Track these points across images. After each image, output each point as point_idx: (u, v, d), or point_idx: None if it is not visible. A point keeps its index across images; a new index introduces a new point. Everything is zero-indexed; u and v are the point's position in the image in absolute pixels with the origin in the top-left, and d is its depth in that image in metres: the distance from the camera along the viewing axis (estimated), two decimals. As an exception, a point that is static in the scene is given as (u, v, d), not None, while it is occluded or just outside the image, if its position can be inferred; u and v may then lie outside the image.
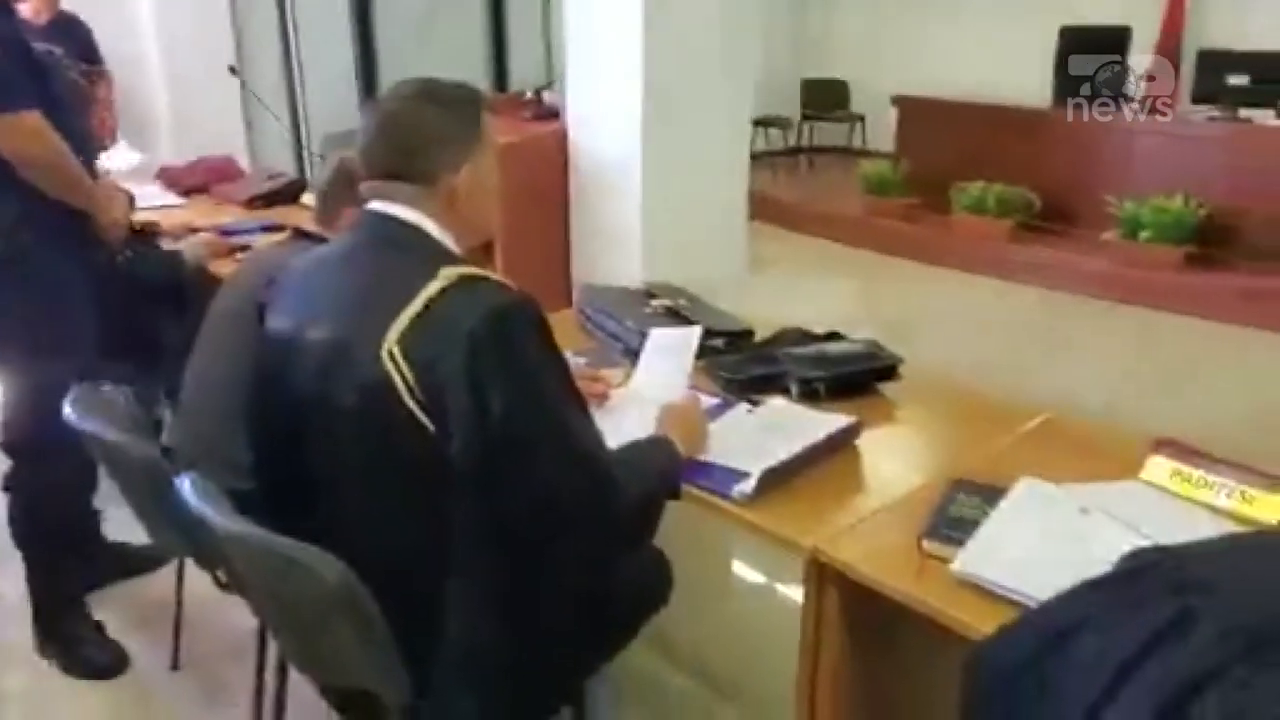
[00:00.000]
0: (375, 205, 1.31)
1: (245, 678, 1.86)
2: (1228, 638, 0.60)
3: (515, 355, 1.17)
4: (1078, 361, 4.42)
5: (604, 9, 2.53)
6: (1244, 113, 5.22)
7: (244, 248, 2.77)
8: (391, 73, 5.68)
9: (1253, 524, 1.31)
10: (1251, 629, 0.59)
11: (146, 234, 2.70)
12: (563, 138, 2.77)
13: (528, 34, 6.21)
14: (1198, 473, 1.43)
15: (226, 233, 2.94)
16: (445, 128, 1.29)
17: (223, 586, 1.74)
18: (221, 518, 1.27)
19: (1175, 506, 1.39)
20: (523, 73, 6.05)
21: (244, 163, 4.30)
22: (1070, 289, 5.26)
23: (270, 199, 3.46)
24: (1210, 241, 5.10)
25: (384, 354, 1.15)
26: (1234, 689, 0.58)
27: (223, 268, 2.58)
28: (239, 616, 1.77)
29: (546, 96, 3.13)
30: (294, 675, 1.63)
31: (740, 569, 2.65)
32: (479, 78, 5.89)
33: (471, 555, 1.19)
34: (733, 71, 2.72)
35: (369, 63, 5.78)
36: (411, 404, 1.15)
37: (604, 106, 2.62)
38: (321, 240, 1.80)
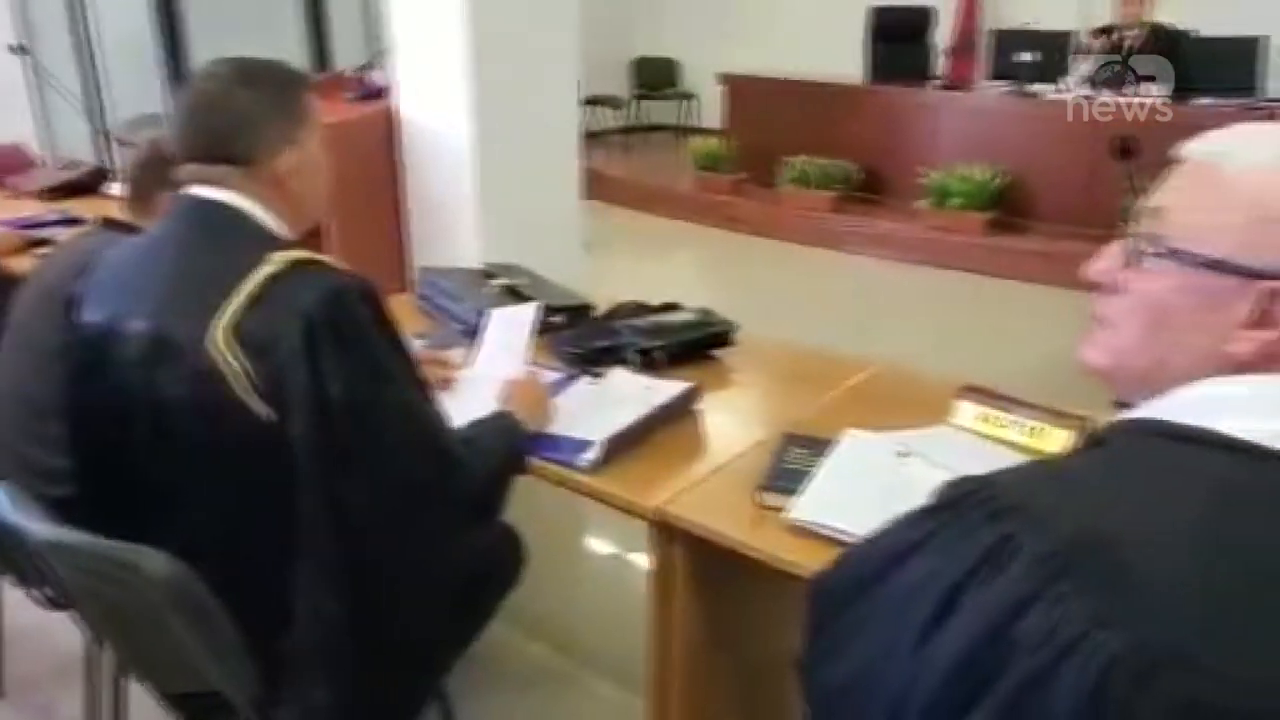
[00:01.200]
0: (194, 190, 1.26)
1: (76, 699, 1.76)
2: (1044, 561, 0.65)
3: (353, 336, 1.16)
4: (897, 321, 4.75)
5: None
6: (1033, 87, 5.68)
7: (43, 242, 2.57)
8: (200, 52, 5.33)
9: (1043, 455, 1.47)
10: (1064, 548, 0.65)
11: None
12: (392, 118, 2.70)
13: (346, 10, 5.99)
14: (997, 414, 1.58)
15: (22, 227, 2.71)
16: (266, 108, 1.25)
17: (49, 603, 1.64)
18: (38, 527, 1.20)
19: (980, 445, 1.53)
20: (344, 51, 5.84)
21: (36, 150, 3.95)
22: (889, 255, 5.60)
23: (69, 190, 3.22)
24: (1009, 207, 5.55)
25: (214, 342, 1.12)
26: (1051, 605, 0.64)
27: (20, 264, 2.39)
28: (65, 635, 1.67)
29: (371, 75, 3.04)
30: (134, 689, 1.55)
31: (590, 540, 2.71)
32: (297, 56, 5.62)
33: (316, 539, 1.17)
34: (559, 48, 2.73)
35: (173, 41, 5.40)
36: (247, 392, 1.12)
37: (433, 85, 2.57)
38: (134, 230, 1.70)
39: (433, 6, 2.50)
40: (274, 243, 1.23)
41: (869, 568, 0.81)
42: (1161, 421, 0.72)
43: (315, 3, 5.74)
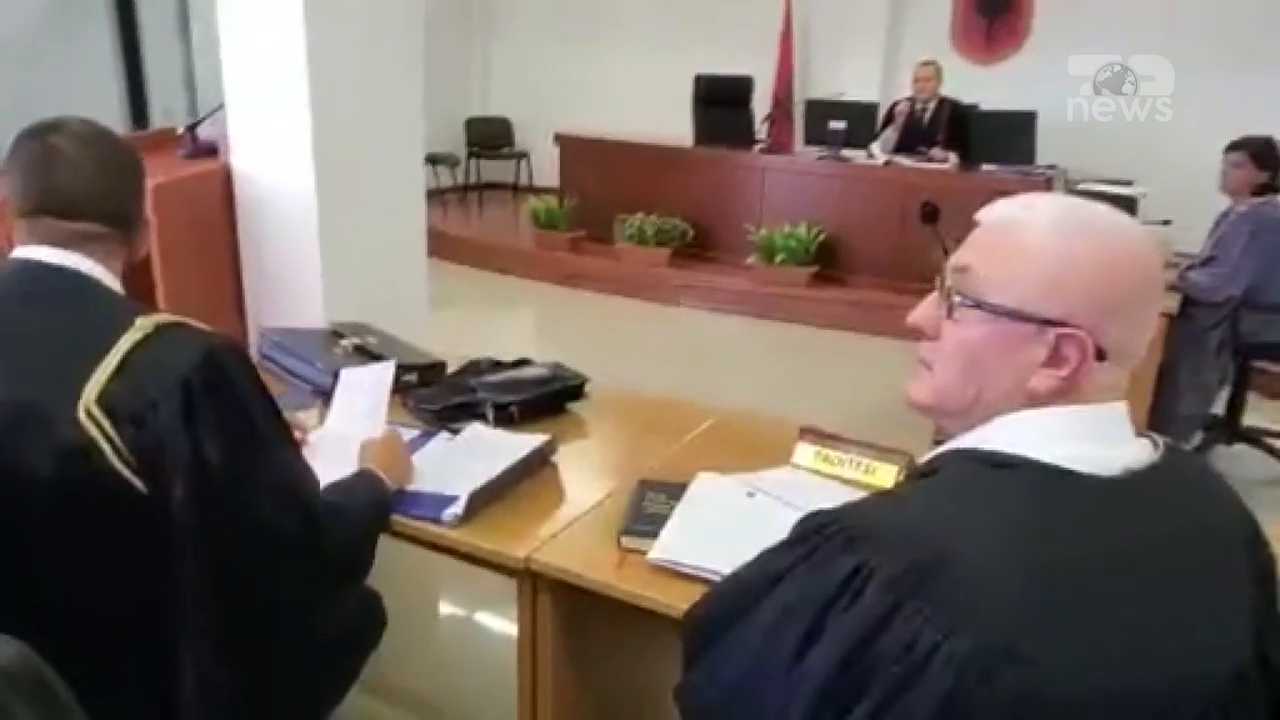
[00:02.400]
0: (28, 253, 1.20)
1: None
2: (895, 582, 0.75)
3: (230, 400, 1.14)
4: (733, 370, 5.00)
5: (265, 39, 2.44)
6: (845, 152, 6.15)
7: None
8: (7, 108, 4.93)
9: (875, 489, 1.61)
10: (911, 569, 0.75)
11: None
12: (226, 176, 2.63)
13: (162, 65, 5.74)
14: (833, 453, 1.72)
15: None
16: (138, 174, 1.24)
17: None
18: None
19: (820, 483, 1.66)
20: (160, 105, 5.58)
21: None
22: (723, 308, 5.88)
23: None
24: (829, 262, 5.95)
25: (83, 414, 1.07)
26: (906, 621, 0.73)
27: None
28: None
29: (201, 132, 2.94)
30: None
31: (445, 601, 2.68)
32: (114, 111, 5.34)
33: (200, 607, 1.13)
34: (402, 103, 2.75)
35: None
36: (119, 465, 1.08)
37: (272, 141, 2.52)
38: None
39: (269, 62, 2.48)
40: (134, 306, 1.20)
41: (739, 598, 0.89)
42: (979, 450, 0.85)
43: (133, 57, 5.48)
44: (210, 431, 1.11)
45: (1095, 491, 0.79)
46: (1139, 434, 0.85)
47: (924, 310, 0.92)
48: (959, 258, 0.88)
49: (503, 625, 2.35)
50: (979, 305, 0.85)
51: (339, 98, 2.50)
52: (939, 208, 2.19)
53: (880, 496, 0.98)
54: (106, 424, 1.08)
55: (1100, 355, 0.81)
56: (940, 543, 0.77)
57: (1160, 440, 0.86)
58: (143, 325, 1.13)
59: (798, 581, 0.83)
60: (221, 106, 2.71)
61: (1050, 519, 0.78)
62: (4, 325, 1.19)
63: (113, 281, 1.23)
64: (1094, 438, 0.82)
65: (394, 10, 2.65)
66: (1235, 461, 3.66)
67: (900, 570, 0.76)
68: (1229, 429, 3.76)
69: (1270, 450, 3.71)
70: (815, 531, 0.84)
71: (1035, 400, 0.83)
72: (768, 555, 0.90)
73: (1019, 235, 0.84)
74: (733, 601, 0.91)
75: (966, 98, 6.11)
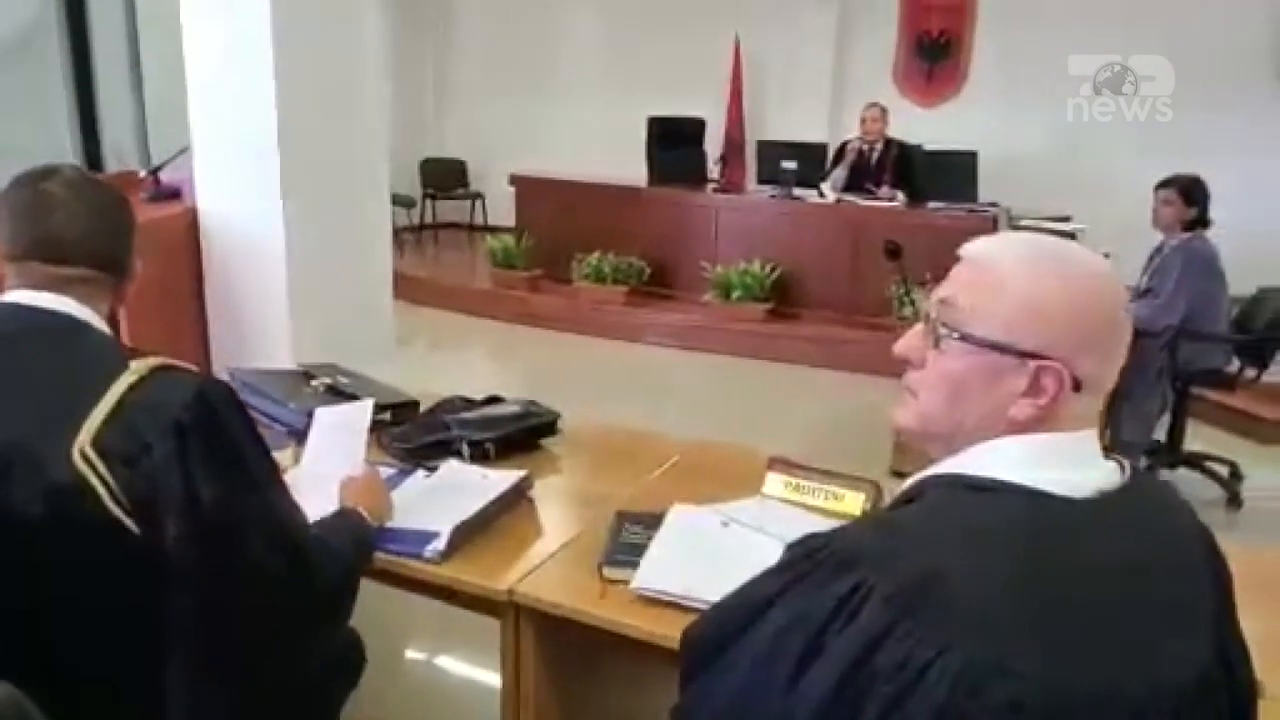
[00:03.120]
0: (18, 297, 1.22)
1: None
2: (889, 601, 0.78)
3: (221, 440, 1.16)
4: (695, 404, 5.05)
5: (234, 85, 2.48)
6: (797, 191, 6.31)
7: None
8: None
9: (844, 516, 1.67)
10: (904, 589, 0.78)
11: None
12: (191, 219, 2.64)
13: (113, 107, 5.69)
14: (801, 482, 1.77)
15: None
16: (128, 219, 1.26)
17: None
18: None
19: (791, 511, 1.71)
20: (112, 149, 5.53)
21: None
22: (681, 344, 5.95)
23: None
24: (785, 298, 6.07)
25: (77, 455, 1.08)
26: (901, 639, 0.77)
27: None
28: None
29: (164, 175, 2.95)
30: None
31: (422, 640, 2.66)
32: (65, 156, 5.28)
33: (191, 647, 1.14)
34: (367, 144, 2.79)
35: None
36: (112, 506, 1.09)
37: (239, 184, 2.54)
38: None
39: (239, 107, 2.51)
40: (125, 350, 1.21)
41: (734, 620, 0.92)
42: (962, 475, 0.90)
43: (86, 99, 5.43)
44: (202, 471, 1.13)
45: (1071, 512, 0.84)
46: (1107, 457, 0.91)
47: (909, 340, 0.97)
48: (943, 291, 0.93)
49: (481, 666, 2.36)
50: (964, 338, 0.90)
51: (307, 141, 2.54)
52: (901, 245, 2.30)
53: (867, 521, 1.03)
54: (100, 466, 1.09)
55: (1076, 386, 0.87)
56: (929, 563, 0.81)
57: (1126, 463, 0.92)
58: (137, 369, 1.15)
59: (791, 605, 0.85)
60: (185, 149, 2.73)
61: (1032, 538, 0.83)
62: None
63: (101, 324, 1.25)
64: (1067, 463, 0.87)
65: (361, 57, 2.70)
66: (1178, 485, 3.81)
67: (894, 589, 0.79)
68: (1171, 454, 3.91)
69: (1210, 474, 3.87)
70: (808, 555, 0.87)
71: (1014, 427, 0.88)
72: (761, 579, 0.92)
73: (999, 270, 0.89)
74: (727, 624, 0.93)
75: (911, 137, 6.33)
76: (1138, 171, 4.45)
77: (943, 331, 0.91)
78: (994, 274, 0.90)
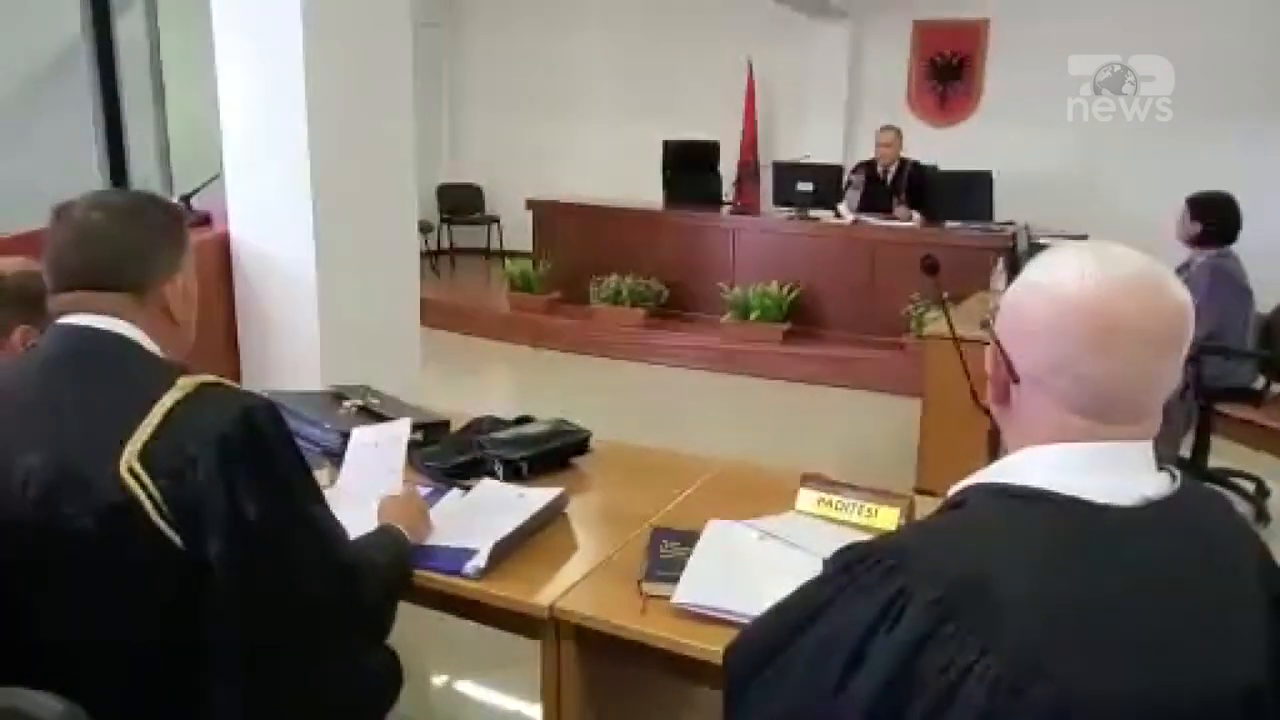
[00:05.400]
0: (74, 319, 1.25)
1: None
2: (932, 606, 0.80)
3: (266, 456, 1.18)
4: (716, 425, 5.06)
5: (266, 115, 2.53)
6: (813, 212, 6.33)
7: None
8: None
9: (879, 532, 1.67)
10: (946, 593, 0.80)
11: None
12: (223, 245, 2.69)
13: (138, 136, 5.79)
14: (836, 498, 1.78)
15: None
16: (158, 236, 1.29)
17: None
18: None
19: (825, 527, 1.72)
20: (139, 177, 5.62)
21: None
22: (699, 366, 5.96)
23: None
24: (802, 318, 6.08)
25: (124, 471, 1.11)
26: (944, 642, 0.79)
27: None
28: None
29: (195, 202, 3.00)
30: None
31: (459, 658, 2.66)
32: (94, 185, 5.36)
33: (230, 660, 1.16)
34: (396, 167, 2.83)
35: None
36: (159, 520, 1.11)
37: (272, 210, 2.59)
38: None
39: (272, 137, 2.56)
40: (172, 367, 1.24)
41: (780, 632, 0.94)
42: (1002, 485, 0.91)
43: (114, 129, 5.52)
44: (246, 487, 1.15)
45: (1114, 519, 0.86)
46: (1160, 468, 0.92)
47: (988, 361, 1.00)
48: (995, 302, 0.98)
49: (515, 694, 2.37)
50: (999, 348, 0.95)
51: (340, 169, 2.58)
52: (939, 261, 2.32)
53: (914, 526, 1.04)
54: (147, 480, 1.12)
55: (1015, 377, 0.91)
56: (972, 567, 0.83)
57: (1179, 474, 0.92)
58: (184, 385, 1.17)
59: (839, 612, 0.87)
60: (216, 177, 2.78)
61: (1070, 544, 0.85)
62: (49, 388, 1.22)
63: (151, 344, 1.27)
64: (1109, 470, 0.88)
65: (391, 86, 2.75)
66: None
67: (937, 594, 0.81)
68: (1196, 470, 3.88)
69: (1237, 490, 3.84)
70: (855, 563, 0.89)
71: (1063, 433, 0.90)
72: (807, 588, 0.95)
73: (1014, 290, 0.94)
74: (774, 635, 0.95)
75: (925, 158, 6.35)
76: (1142, 177, 4.40)
77: (988, 339, 0.98)
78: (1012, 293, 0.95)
